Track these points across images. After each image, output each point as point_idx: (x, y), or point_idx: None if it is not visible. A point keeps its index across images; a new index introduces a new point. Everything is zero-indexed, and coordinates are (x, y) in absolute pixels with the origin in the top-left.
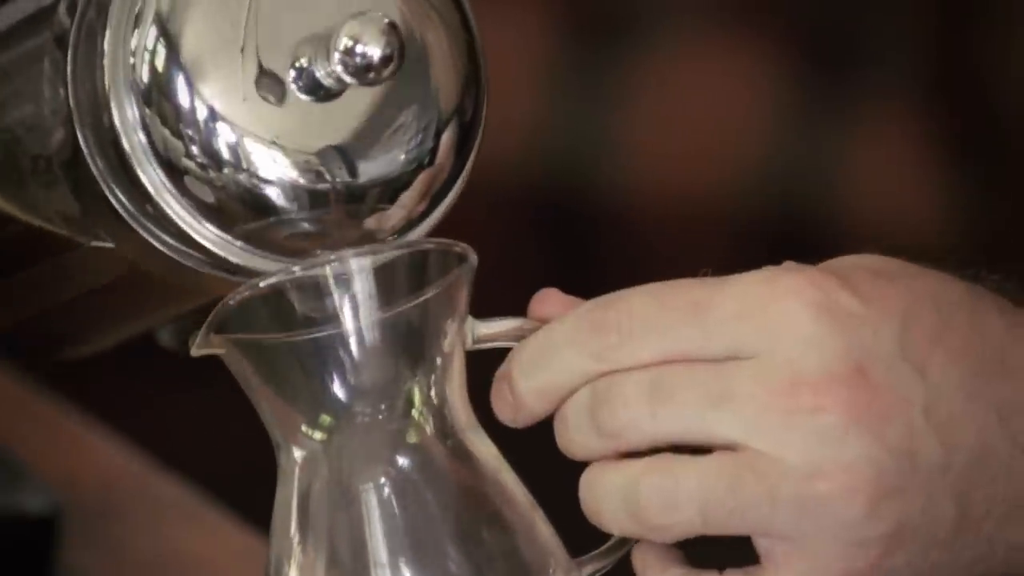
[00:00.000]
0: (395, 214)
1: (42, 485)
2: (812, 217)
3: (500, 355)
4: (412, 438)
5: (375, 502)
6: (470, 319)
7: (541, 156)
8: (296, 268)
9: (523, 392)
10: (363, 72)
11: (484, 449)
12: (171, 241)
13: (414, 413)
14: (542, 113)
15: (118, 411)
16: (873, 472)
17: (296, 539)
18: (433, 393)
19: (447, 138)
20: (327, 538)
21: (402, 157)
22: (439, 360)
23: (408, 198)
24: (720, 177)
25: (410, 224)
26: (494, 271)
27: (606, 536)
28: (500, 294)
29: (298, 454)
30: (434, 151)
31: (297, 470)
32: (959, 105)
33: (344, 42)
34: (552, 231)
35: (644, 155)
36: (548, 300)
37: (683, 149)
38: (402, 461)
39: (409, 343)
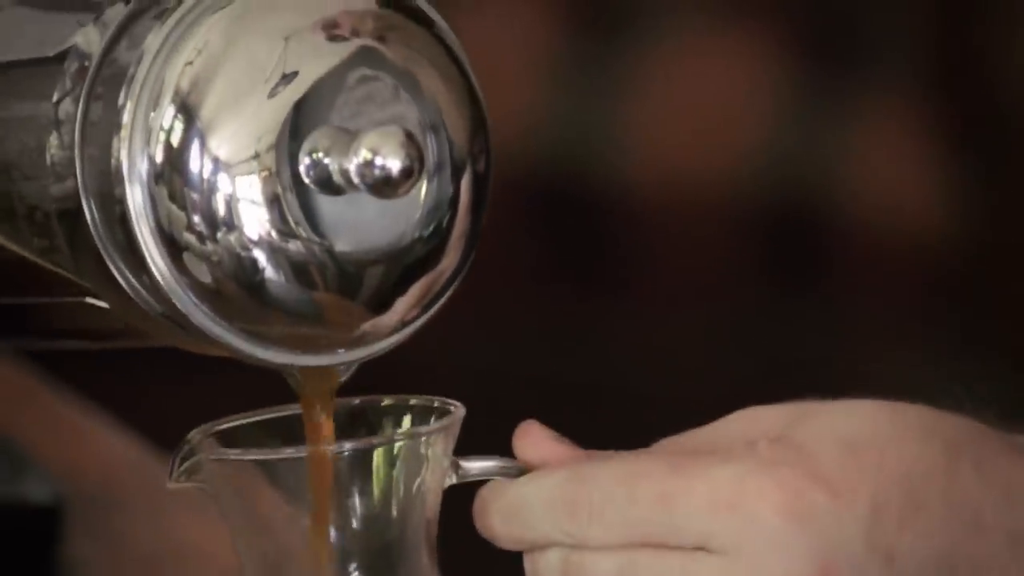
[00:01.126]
0: (393, 315)
1: (44, 475)
2: (812, 207)
3: None
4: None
5: None
6: (454, 460)
7: (543, 146)
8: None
9: (499, 533)
10: (381, 185)
11: None
12: (168, 317)
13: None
14: (544, 103)
15: (120, 401)
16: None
17: None
18: (406, 529)
19: (456, 236)
20: None
21: (407, 260)
22: (416, 497)
23: (405, 302)
24: (721, 167)
25: (404, 325)
26: (494, 260)
27: None
28: (500, 282)
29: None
30: (440, 250)
31: None
32: (959, 96)
33: (363, 155)
34: (553, 220)
35: (645, 145)
36: (529, 437)
37: (684, 139)
38: None
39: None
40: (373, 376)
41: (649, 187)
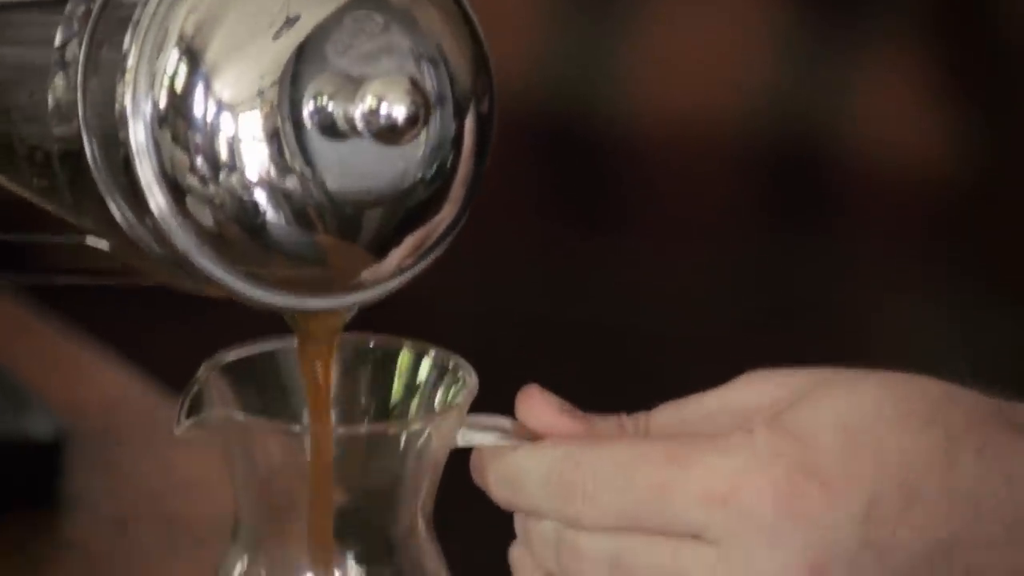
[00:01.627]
0: (394, 259)
1: (46, 410)
2: (814, 145)
3: None
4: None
5: None
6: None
7: (546, 85)
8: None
9: (494, 494)
10: (387, 133)
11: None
12: (169, 259)
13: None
14: (546, 42)
15: (122, 336)
16: None
17: None
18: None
19: (459, 178)
20: None
21: (409, 202)
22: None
23: (407, 245)
24: (724, 105)
25: (405, 269)
26: (496, 199)
27: None
28: (503, 222)
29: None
30: (443, 193)
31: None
32: (961, 35)
33: (368, 102)
34: (556, 159)
35: (648, 84)
36: (532, 404)
37: (687, 78)
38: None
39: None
40: (374, 314)
41: (652, 126)
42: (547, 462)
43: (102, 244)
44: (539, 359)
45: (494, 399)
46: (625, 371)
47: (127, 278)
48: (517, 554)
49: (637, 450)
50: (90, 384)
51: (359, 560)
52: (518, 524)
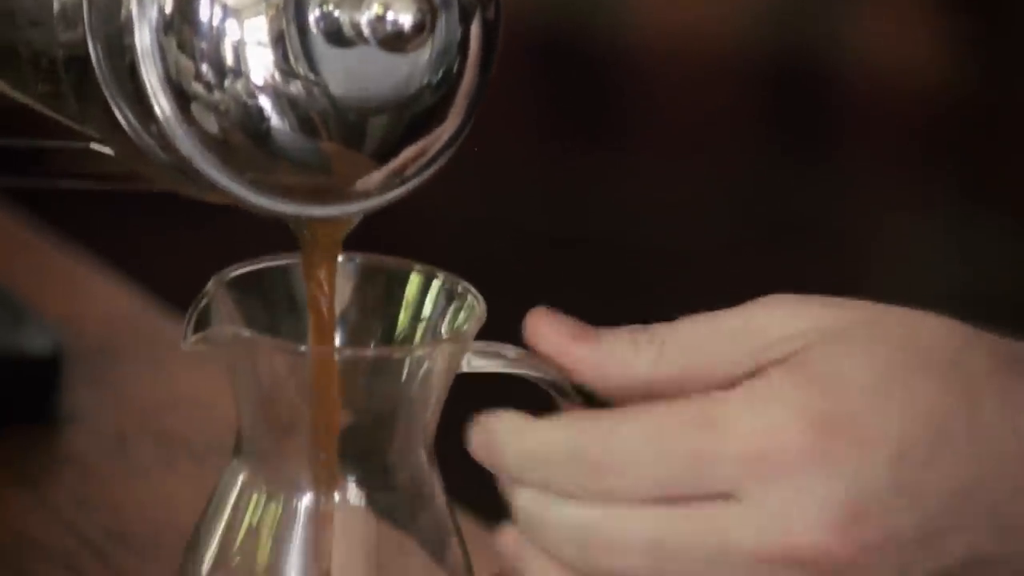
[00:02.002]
0: (399, 166)
1: (43, 325)
2: (815, 61)
3: None
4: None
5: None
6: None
7: None
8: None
9: (514, 471)
10: (393, 40)
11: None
12: (174, 165)
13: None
14: None
15: (119, 251)
16: None
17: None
18: (409, 423)
19: (464, 85)
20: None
21: (414, 109)
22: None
23: (412, 152)
24: (724, 17)
25: (410, 177)
26: (496, 113)
27: None
28: (503, 136)
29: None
30: (448, 99)
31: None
32: None
33: (375, 9)
34: (556, 73)
35: None
36: (539, 326)
37: None
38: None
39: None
40: (374, 228)
41: (652, 39)
42: (573, 435)
43: (106, 150)
44: (537, 273)
45: (493, 314)
46: (624, 285)
47: (131, 183)
48: (519, 550)
49: (666, 418)
50: (88, 299)
51: (359, 484)
52: (523, 516)
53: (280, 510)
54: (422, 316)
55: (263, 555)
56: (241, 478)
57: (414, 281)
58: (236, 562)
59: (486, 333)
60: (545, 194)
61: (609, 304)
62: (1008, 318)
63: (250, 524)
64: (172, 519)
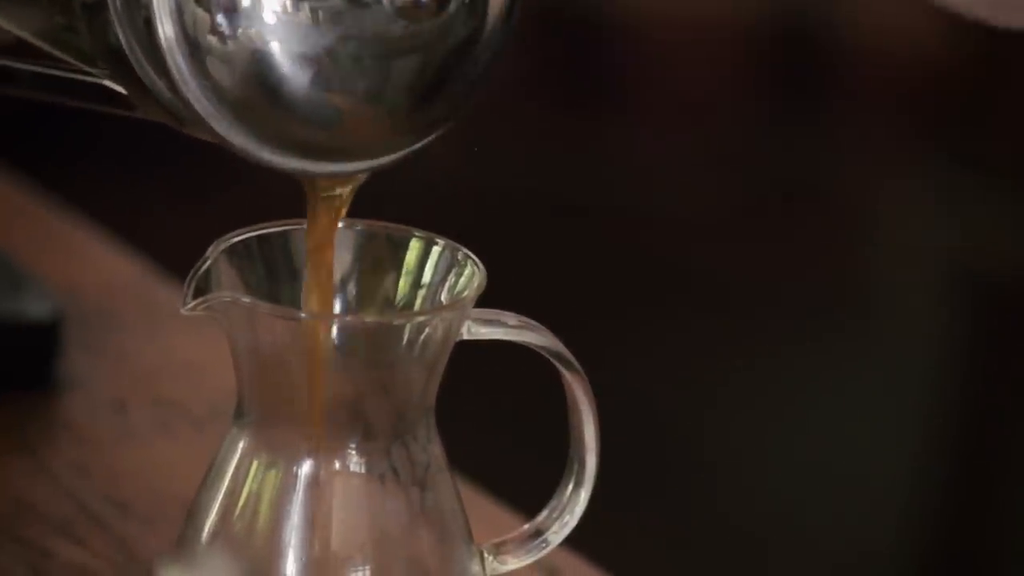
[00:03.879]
0: (411, 121)
1: (43, 291)
2: (813, 23)
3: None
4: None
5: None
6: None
7: None
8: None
9: None
10: (412, 8)
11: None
12: (187, 116)
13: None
14: None
15: (119, 217)
16: None
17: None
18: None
19: (481, 53)
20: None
21: (431, 69)
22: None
23: (427, 110)
24: None
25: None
26: (497, 79)
27: None
28: (505, 100)
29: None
30: (464, 61)
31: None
32: None
33: None
34: (556, 37)
35: None
36: None
37: None
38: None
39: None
40: (376, 195)
41: (653, 6)
42: None
43: (119, 88)
44: (538, 241)
45: (494, 281)
46: (625, 252)
47: (141, 114)
48: None
49: None
50: (88, 265)
51: (360, 450)
52: None
53: (280, 477)
54: (422, 283)
55: (263, 522)
56: (241, 445)
57: (414, 248)
58: (236, 529)
59: (487, 300)
60: (547, 161)
61: (610, 271)
62: (1000, 283)
63: (250, 491)
64: (171, 486)
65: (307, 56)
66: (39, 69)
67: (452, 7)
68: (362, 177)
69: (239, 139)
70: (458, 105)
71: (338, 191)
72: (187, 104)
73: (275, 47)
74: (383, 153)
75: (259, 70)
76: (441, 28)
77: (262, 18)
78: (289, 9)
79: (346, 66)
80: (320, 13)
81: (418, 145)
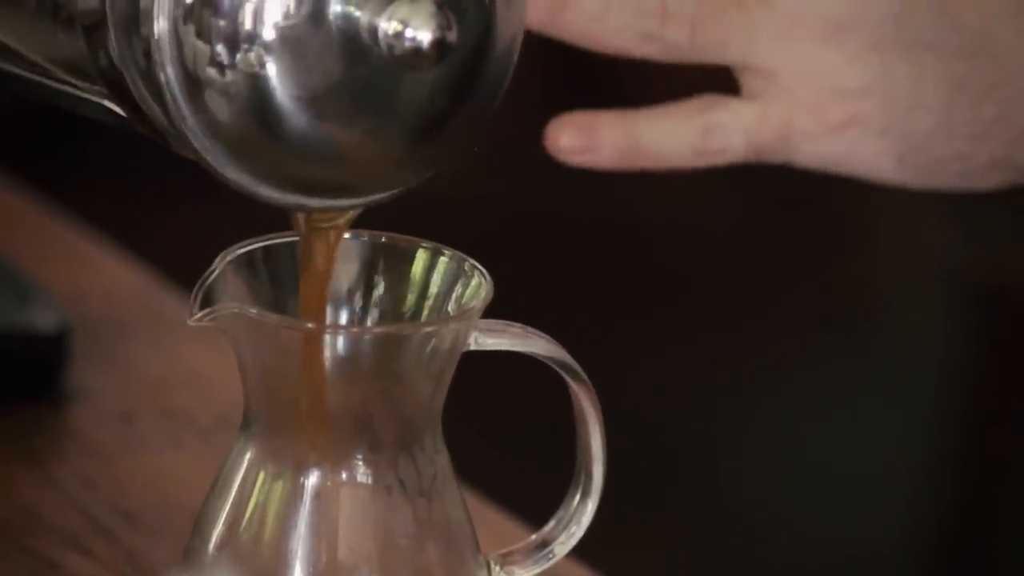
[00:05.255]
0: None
1: (51, 302)
2: None
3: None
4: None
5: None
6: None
7: None
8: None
9: None
10: (410, 58)
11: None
12: (183, 144)
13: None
14: None
15: (126, 228)
16: (856, 23)
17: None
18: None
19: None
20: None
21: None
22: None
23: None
24: None
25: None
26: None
27: None
28: (512, 109)
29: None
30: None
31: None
32: None
33: (393, 25)
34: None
35: None
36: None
37: None
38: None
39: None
40: (382, 205)
41: None
42: None
43: (118, 110)
44: (545, 251)
45: (501, 292)
46: (633, 262)
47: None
48: None
49: None
50: (95, 275)
51: (366, 462)
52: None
53: (287, 487)
54: (429, 293)
55: (270, 532)
56: (248, 455)
57: (421, 258)
58: (243, 539)
59: (493, 311)
60: (555, 172)
61: (616, 282)
62: (1003, 288)
63: (257, 502)
64: (178, 496)
65: (305, 97)
66: (38, 78)
67: (452, 54)
68: (357, 210)
69: (234, 173)
70: (458, 143)
71: (333, 222)
72: (184, 138)
73: (274, 86)
74: (380, 190)
75: (257, 107)
76: (441, 74)
77: (262, 58)
78: (289, 50)
79: (345, 107)
80: (320, 58)
81: (417, 182)
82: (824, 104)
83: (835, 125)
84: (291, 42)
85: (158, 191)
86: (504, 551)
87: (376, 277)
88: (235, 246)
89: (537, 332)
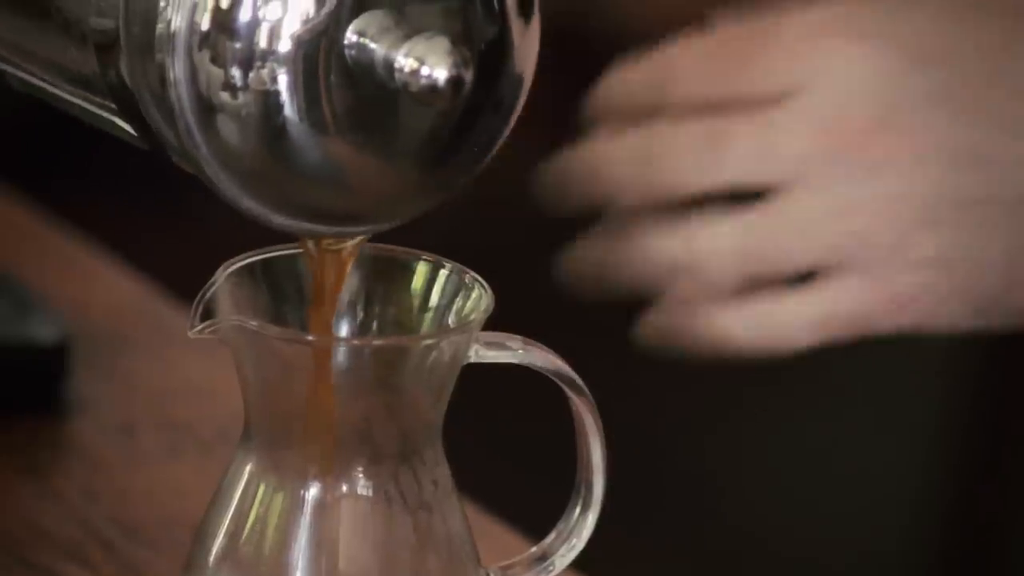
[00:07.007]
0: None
1: (52, 314)
2: None
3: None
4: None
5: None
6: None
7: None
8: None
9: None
10: (427, 94)
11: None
12: (198, 172)
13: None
14: None
15: (126, 240)
16: (907, 207)
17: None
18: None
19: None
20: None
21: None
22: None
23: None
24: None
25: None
26: None
27: None
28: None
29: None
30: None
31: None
32: None
33: (409, 63)
34: (570, 56)
35: None
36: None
37: None
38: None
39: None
40: None
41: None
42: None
43: (129, 128)
44: (546, 264)
45: (501, 304)
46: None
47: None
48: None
49: (712, 38)
50: (96, 288)
51: (367, 474)
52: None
53: (288, 500)
54: (429, 306)
55: (271, 545)
56: (249, 468)
57: (421, 271)
58: (244, 552)
59: (494, 323)
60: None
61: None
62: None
63: (258, 514)
64: (179, 509)
65: (316, 125)
66: (45, 85)
67: (468, 90)
68: (367, 236)
69: (247, 201)
70: (470, 168)
71: (343, 245)
72: (196, 163)
73: (286, 109)
74: (391, 217)
75: (268, 131)
76: (456, 108)
77: (274, 75)
78: (302, 75)
79: (357, 137)
80: (332, 87)
81: (429, 207)
82: (893, 280)
83: (906, 301)
84: (304, 70)
85: (159, 203)
86: (504, 563)
87: (376, 289)
88: (236, 258)
89: (538, 345)
